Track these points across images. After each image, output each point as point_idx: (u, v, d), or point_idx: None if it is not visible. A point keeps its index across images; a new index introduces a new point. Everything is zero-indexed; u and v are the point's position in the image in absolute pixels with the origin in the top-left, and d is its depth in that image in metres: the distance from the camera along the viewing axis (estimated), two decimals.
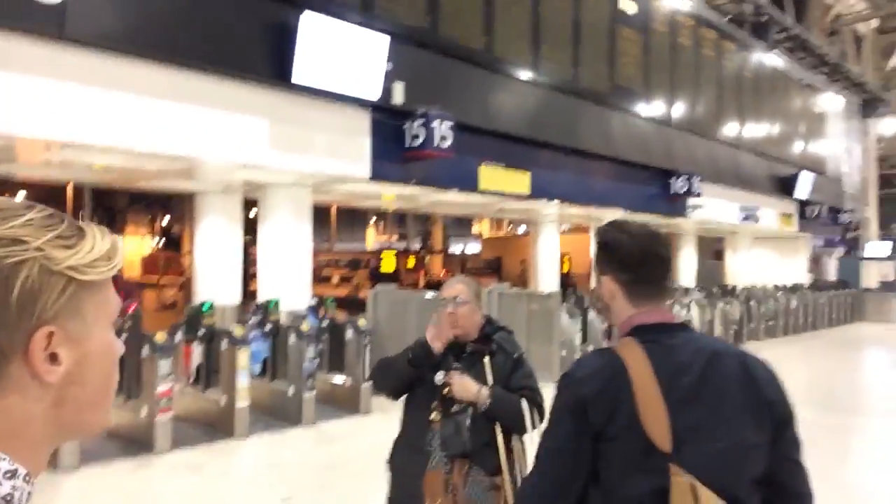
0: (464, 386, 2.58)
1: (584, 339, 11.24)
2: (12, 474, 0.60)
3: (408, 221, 36.82)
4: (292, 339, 7.68)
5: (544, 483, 1.57)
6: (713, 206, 15.98)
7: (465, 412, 2.59)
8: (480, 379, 2.61)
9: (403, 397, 2.79)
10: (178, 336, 7.47)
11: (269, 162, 7.89)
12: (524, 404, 2.58)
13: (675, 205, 14.79)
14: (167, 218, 27.58)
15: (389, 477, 2.73)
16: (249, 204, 11.28)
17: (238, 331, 7.23)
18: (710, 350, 1.56)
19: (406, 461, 2.65)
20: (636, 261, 1.61)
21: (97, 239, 0.66)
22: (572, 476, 1.52)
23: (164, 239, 27.02)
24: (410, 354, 2.68)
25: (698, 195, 14.65)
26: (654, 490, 1.42)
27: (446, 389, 2.61)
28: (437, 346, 2.65)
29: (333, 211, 30.25)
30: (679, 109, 15.02)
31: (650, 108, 14.09)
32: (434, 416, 2.61)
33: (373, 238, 38.92)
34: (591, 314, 11.47)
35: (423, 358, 2.66)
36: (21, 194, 28.82)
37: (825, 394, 10.15)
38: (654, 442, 1.44)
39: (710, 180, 15.46)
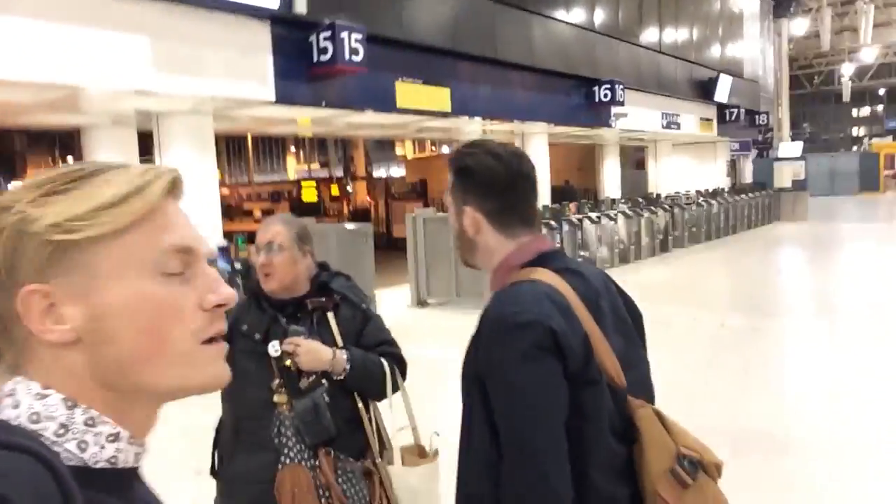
0: (314, 354, 2.02)
1: None
2: (115, 437, 0.62)
3: (329, 147, 35.65)
4: None
5: (549, 463, 1.22)
6: (637, 115, 15.77)
7: (319, 386, 2.05)
8: (328, 341, 2.08)
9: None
10: None
11: (158, 86, 7.04)
12: (385, 364, 2.13)
13: (600, 115, 14.49)
14: (70, 158, 25.78)
15: (221, 490, 2.14)
16: (144, 138, 10.32)
17: None
18: (600, 272, 1.49)
19: (245, 465, 2.04)
20: (505, 184, 1.40)
21: (98, 187, 0.62)
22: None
23: None
24: None
25: (622, 104, 14.38)
26: (626, 430, 1.30)
27: (288, 361, 2.03)
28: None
29: (249, 140, 28.87)
30: (601, 14, 14.52)
31: (572, 13, 13.53)
32: (278, 397, 2.03)
33: (293, 167, 37.61)
34: None
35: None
36: None
37: (748, 297, 10.28)
38: (612, 378, 1.29)
39: (632, 87, 15.18)
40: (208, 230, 8.26)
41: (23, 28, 6.01)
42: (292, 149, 37.46)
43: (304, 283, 2.15)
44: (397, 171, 31.99)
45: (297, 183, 27.45)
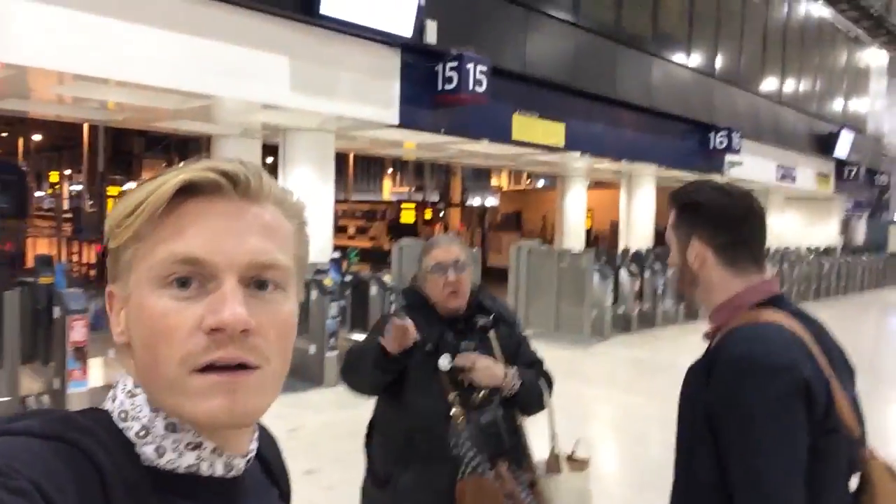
0: (490, 370, 2.09)
1: (615, 300, 10.75)
2: (196, 446, 0.61)
3: (425, 172, 36.18)
4: (314, 294, 7.22)
5: None
6: (751, 164, 15.24)
7: (492, 401, 2.10)
8: (489, 358, 2.16)
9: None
10: None
11: (291, 102, 7.30)
12: (542, 382, 2.24)
13: (713, 161, 14.08)
14: (182, 164, 27.19)
15: (387, 500, 2.13)
16: (267, 151, 10.74)
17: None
18: (818, 319, 1.46)
19: (421, 475, 2.06)
20: (737, 220, 1.41)
21: (133, 193, 0.61)
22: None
23: None
24: (373, 360, 2.03)
25: (738, 151, 13.93)
26: (857, 482, 1.31)
27: (460, 375, 2.09)
28: (393, 347, 1.99)
29: (351, 159, 29.67)
30: (722, 60, 14.19)
31: (692, 58, 13.28)
32: (456, 410, 2.07)
33: (389, 188, 38.34)
34: (623, 274, 10.97)
35: (390, 364, 2.02)
36: (37, 137, 28.50)
37: (864, 360, 9.65)
38: (849, 428, 1.29)
39: (749, 136, 14.70)
40: (322, 243, 8.48)
41: (172, 40, 6.36)
42: (390, 170, 38.30)
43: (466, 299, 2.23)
44: (491, 201, 32.10)
45: (395, 204, 27.86)
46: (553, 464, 2.19)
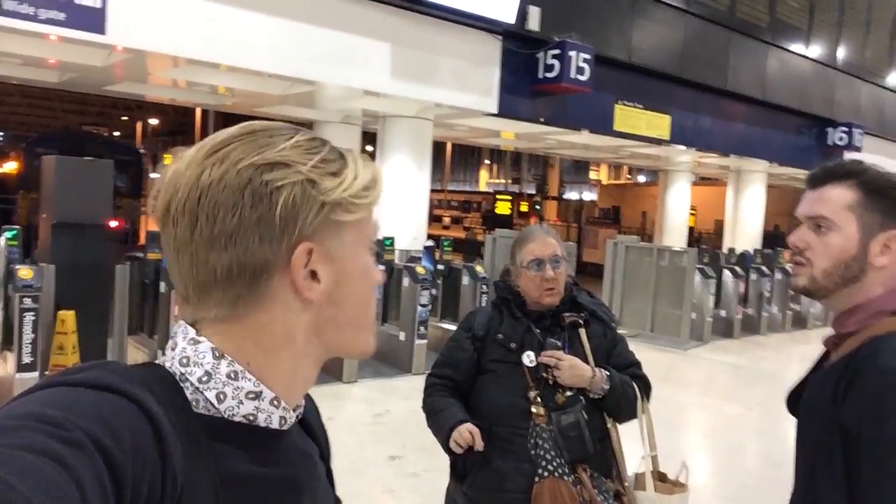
0: (576, 370, 1.99)
1: (717, 304, 10.24)
2: (256, 395, 0.63)
3: (522, 164, 35.90)
4: (406, 282, 7.23)
5: None
6: (874, 163, 14.18)
7: (577, 402, 2.00)
8: (578, 356, 2.04)
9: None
10: None
11: (391, 89, 7.34)
12: (636, 387, 2.09)
13: (831, 159, 13.20)
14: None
15: (466, 494, 2.06)
16: (366, 139, 10.86)
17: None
18: None
19: (500, 472, 1.98)
20: None
21: (359, 167, 0.67)
22: None
23: None
24: (442, 439, 2.01)
25: (859, 149, 13.00)
26: None
27: (545, 373, 2.00)
28: (456, 449, 1.97)
29: (448, 148, 29.79)
30: (845, 49, 13.25)
31: (812, 47, 12.47)
32: (535, 408, 1.97)
33: (485, 179, 38.30)
34: (727, 276, 10.44)
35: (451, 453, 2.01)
36: (153, 122, 30.19)
37: None
38: None
39: (872, 132, 13.69)
40: (416, 231, 8.51)
41: (279, 27, 6.52)
42: (486, 161, 38.23)
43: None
44: (589, 195, 31.48)
45: (491, 195, 27.79)
46: (641, 480, 2.06)
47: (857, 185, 1.26)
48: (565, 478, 1.93)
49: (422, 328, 7.15)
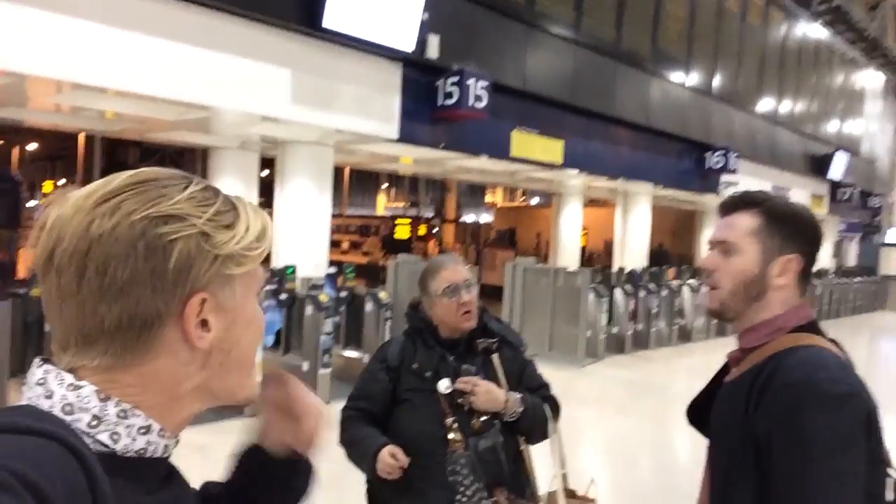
0: (491, 394, 2.04)
1: (610, 321, 10.66)
2: (147, 430, 0.64)
3: (419, 187, 36.16)
4: (309, 310, 7.12)
5: None
6: (746, 185, 15.26)
7: (492, 426, 2.04)
8: (492, 381, 2.10)
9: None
10: None
11: (291, 115, 7.26)
12: (546, 408, 2.17)
13: (708, 181, 14.11)
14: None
15: None
16: (263, 163, 10.66)
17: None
18: None
19: (417, 501, 2.03)
20: (819, 239, 1.39)
21: (250, 218, 0.68)
22: None
23: None
24: (367, 467, 2.05)
25: (733, 171, 13.97)
26: None
27: (460, 399, 2.04)
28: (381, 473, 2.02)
29: (346, 173, 29.61)
30: (719, 79, 14.26)
31: (690, 77, 13.33)
32: (453, 435, 2.01)
33: (383, 203, 38.28)
34: (618, 294, 10.90)
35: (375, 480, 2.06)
36: (32, 146, 28.35)
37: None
38: (889, 459, 1.25)
39: (745, 156, 14.75)
40: (318, 258, 8.41)
41: (172, 50, 6.31)
42: (385, 185, 38.25)
43: None
44: (485, 217, 32.09)
45: (389, 219, 27.79)
46: (553, 498, 2.13)
47: (761, 212, 1.37)
48: (483, 502, 1.96)
49: (326, 357, 7.05)
